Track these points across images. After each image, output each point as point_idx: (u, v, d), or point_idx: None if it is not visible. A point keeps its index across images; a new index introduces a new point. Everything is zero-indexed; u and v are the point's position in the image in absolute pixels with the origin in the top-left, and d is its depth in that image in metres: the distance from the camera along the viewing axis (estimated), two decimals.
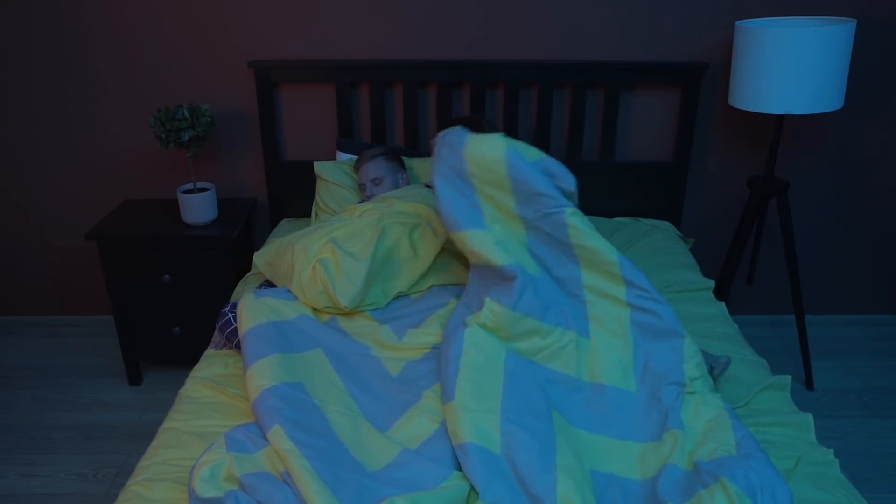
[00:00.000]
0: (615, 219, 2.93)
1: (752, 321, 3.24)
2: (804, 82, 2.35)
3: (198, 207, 2.68)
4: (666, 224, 2.88)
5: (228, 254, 2.68)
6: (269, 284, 2.30)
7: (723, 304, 2.31)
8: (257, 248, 3.14)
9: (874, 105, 2.88)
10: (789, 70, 2.34)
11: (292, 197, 2.96)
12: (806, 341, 2.78)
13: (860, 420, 2.63)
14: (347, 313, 2.05)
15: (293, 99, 2.88)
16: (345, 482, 1.49)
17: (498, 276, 1.83)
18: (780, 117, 2.59)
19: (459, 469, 1.57)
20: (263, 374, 1.75)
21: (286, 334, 1.91)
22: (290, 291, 2.10)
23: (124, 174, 3.02)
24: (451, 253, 2.20)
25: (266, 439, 1.64)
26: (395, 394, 1.80)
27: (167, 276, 2.69)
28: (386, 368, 1.88)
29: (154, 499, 1.56)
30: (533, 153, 1.88)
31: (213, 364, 2.02)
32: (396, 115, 2.90)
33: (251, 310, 1.94)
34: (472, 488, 1.51)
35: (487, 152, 1.85)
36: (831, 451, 1.64)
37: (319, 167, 2.71)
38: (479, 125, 2.45)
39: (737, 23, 2.49)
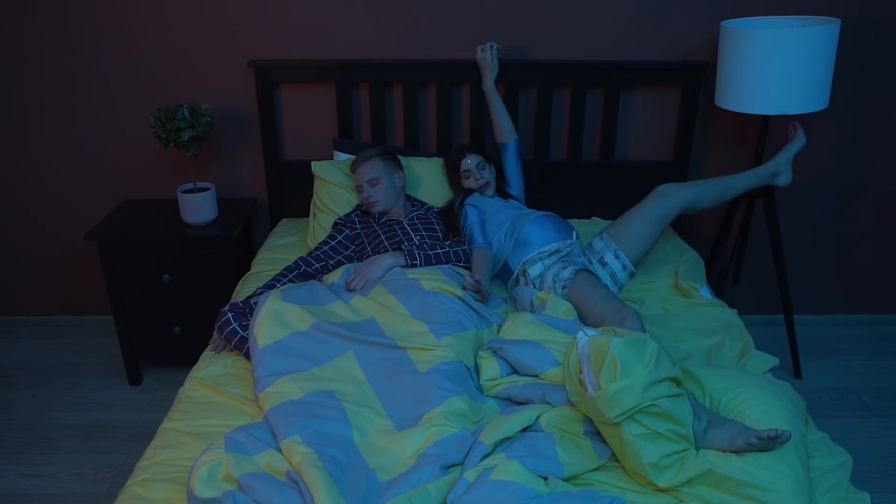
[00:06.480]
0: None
1: (745, 321, 3.25)
2: (789, 83, 2.35)
3: (198, 207, 2.68)
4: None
5: (228, 254, 2.68)
6: (270, 286, 2.29)
7: (735, 310, 2.29)
8: (257, 248, 3.14)
9: (859, 105, 2.87)
10: (774, 71, 2.34)
11: (292, 197, 2.96)
12: (794, 333, 2.82)
13: (860, 420, 2.63)
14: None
15: (293, 99, 2.88)
16: (354, 487, 1.50)
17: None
18: (766, 117, 2.59)
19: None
20: (290, 388, 1.77)
21: (312, 346, 1.91)
22: (322, 284, 2.15)
23: (124, 174, 3.02)
24: None
25: (273, 441, 1.65)
26: (421, 390, 1.78)
27: (167, 276, 2.69)
28: (415, 365, 1.87)
29: (153, 499, 1.56)
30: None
31: (212, 364, 2.02)
32: (396, 114, 2.90)
33: (273, 320, 1.95)
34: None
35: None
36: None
37: (317, 167, 2.71)
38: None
39: (722, 23, 2.49)
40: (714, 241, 2.88)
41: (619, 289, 2.39)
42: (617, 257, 2.35)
